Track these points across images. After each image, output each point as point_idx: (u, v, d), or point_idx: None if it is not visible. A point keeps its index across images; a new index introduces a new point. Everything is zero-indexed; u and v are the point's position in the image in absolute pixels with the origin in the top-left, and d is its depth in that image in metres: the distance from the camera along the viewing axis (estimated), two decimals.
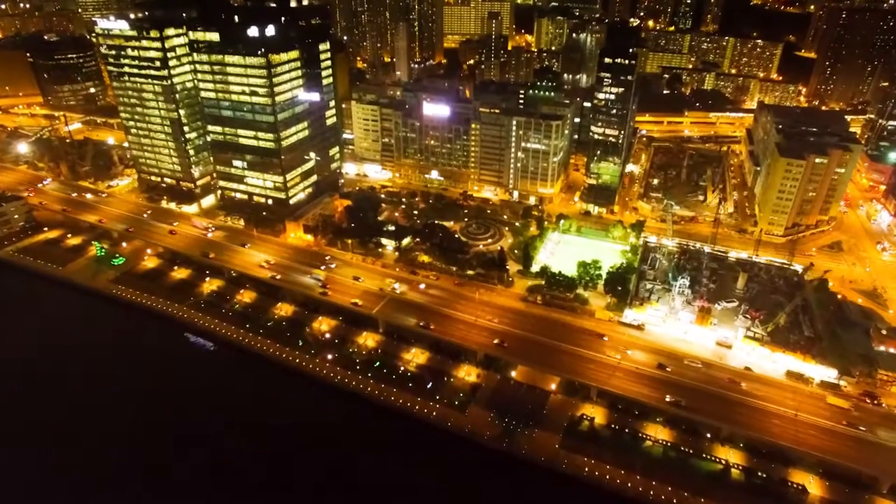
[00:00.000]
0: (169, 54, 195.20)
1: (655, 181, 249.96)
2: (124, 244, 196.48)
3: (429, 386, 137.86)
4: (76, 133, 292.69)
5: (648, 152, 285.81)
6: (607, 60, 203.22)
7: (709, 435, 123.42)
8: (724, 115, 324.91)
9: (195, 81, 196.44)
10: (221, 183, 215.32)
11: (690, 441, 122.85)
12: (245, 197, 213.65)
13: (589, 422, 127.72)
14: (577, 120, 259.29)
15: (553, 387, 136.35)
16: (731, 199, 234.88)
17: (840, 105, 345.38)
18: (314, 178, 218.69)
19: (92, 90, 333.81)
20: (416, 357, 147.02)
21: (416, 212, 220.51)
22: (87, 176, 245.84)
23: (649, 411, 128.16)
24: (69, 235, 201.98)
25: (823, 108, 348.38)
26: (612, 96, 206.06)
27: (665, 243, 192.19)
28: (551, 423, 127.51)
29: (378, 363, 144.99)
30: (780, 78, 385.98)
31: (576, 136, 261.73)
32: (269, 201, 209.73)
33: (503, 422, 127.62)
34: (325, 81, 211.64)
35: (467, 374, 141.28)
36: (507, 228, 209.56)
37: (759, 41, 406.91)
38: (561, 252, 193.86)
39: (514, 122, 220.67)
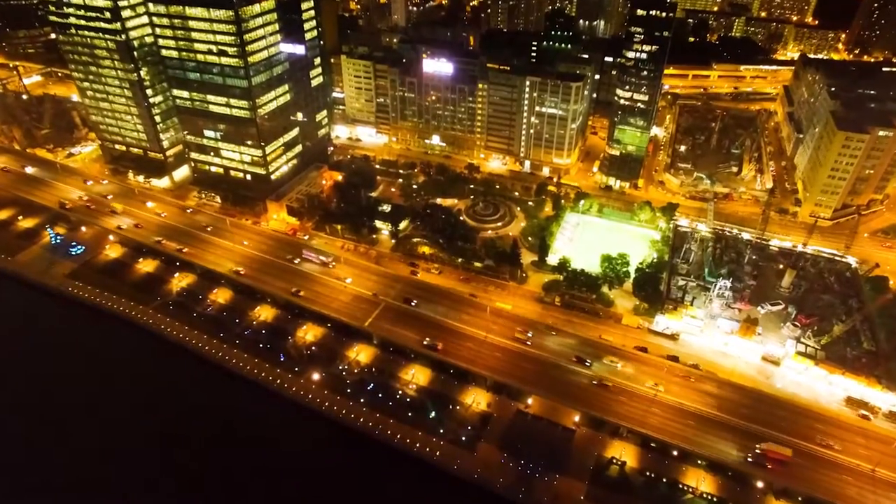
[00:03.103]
0: (121, 3, 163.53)
1: (683, 148, 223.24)
2: (83, 228, 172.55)
3: (431, 415, 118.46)
4: (34, 87, 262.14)
5: (673, 112, 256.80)
6: (639, 12, 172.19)
7: (760, 485, 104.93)
8: (755, 67, 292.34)
9: (155, 37, 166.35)
10: (193, 155, 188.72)
11: (738, 493, 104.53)
12: (221, 171, 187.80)
13: (619, 466, 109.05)
14: (596, 77, 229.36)
15: (576, 419, 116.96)
16: (768, 171, 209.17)
17: (885, 54, 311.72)
18: (299, 148, 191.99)
19: (53, 36, 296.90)
20: (415, 377, 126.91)
21: (415, 186, 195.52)
22: (46, 141, 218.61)
23: (688, 453, 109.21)
24: (21, 217, 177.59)
25: (866, 57, 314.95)
26: (644, 55, 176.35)
27: (699, 228, 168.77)
28: (575, 466, 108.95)
29: (372, 385, 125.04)
30: (817, 23, 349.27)
31: (594, 95, 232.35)
32: (248, 176, 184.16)
33: (519, 465, 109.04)
34: (308, 35, 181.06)
35: (475, 401, 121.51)
36: (518, 208, 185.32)
37: None
38: (580, 237, 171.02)
39: (528, 83, 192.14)
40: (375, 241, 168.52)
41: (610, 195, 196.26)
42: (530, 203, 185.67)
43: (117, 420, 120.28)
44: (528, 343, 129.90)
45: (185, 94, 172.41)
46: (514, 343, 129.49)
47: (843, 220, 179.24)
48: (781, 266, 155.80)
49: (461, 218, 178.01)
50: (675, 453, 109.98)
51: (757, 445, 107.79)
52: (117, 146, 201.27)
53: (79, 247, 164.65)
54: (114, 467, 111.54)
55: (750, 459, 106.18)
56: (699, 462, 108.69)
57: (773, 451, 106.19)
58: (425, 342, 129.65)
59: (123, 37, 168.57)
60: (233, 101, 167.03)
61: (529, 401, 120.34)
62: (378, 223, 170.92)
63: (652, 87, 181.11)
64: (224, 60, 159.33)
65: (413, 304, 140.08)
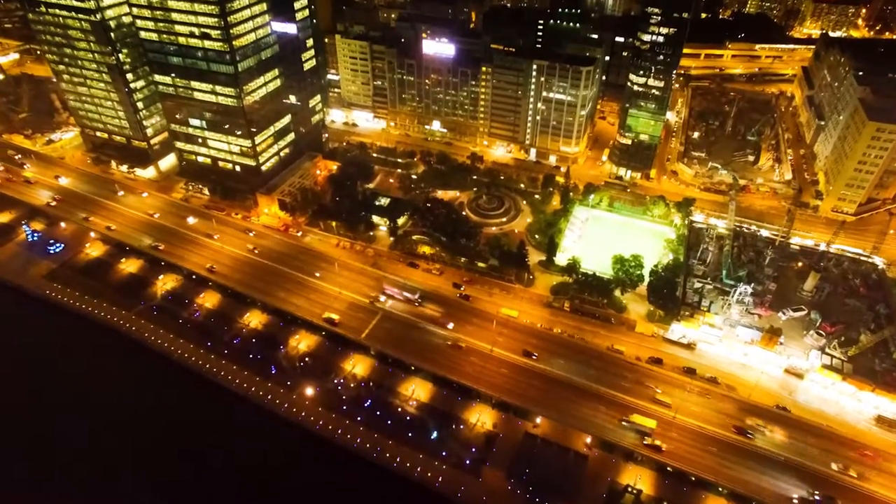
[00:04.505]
0: None
1: (696, 135, 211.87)
2: (63, 225, 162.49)
3: (433, 436, 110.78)
4: (11, 66, 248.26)
5: (685, 95, 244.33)
6: None
7: None
8: (771, 46, 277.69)
9: (132, 17, 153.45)
10: (179, 144, 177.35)
11: None
12: (208, 162, 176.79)
13: (634, 494, 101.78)
14: (606, 58, 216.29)
15: (588, 440, 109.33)
16: (786, 160, 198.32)
17: None
18: (291, 136, 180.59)
19: None
20: (416, 393, 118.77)
21: (414, 177, 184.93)
22: (24, 126, 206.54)
23: (708, 480, 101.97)
24: None
25: (888, 34, 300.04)
26: (660, 38, 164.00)
27: (716, 224, 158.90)
28: (587, 493, 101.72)
29: (369, 401, 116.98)
30: None
31: (604, 77, 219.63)
32: (237, 168, 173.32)
33: (527, 492, 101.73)
34: (299, 14, 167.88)
35: (480, 420, 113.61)
36: (524, 201, 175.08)
37: None
38: (590, 234, 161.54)
39: (535, 67, 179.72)
40: (373, 239, 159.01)
41: (622, 186, 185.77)
42: (536, 196, 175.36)
43: (95, 435, 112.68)
44: (670, 406, 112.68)
45: (168, 79, 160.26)
46: (650, 402, 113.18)
47: (867, 215, 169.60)
48: (800, 264, 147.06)
49: (463, 212, 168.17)
50: (693, 479, 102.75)
51: (623, 419, 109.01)
52: (99, 133, 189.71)
53: (57, 244, 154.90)
54: (88, 485, 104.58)
55: (646, 443, 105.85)
56: (720, 490, 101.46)
57: (640, 425, 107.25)
58: (323, 316, 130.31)
59: (98, 17, 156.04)
60: (218, 88, 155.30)
61: (538, 420, 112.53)
62: (375, 218, 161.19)
63: (668, 73, 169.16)
64: (207, 44, 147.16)
65: (534, 356, 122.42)
